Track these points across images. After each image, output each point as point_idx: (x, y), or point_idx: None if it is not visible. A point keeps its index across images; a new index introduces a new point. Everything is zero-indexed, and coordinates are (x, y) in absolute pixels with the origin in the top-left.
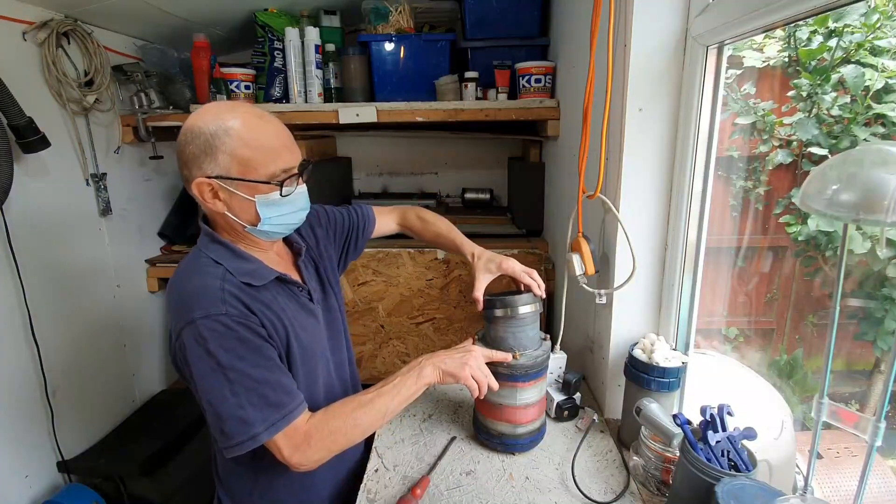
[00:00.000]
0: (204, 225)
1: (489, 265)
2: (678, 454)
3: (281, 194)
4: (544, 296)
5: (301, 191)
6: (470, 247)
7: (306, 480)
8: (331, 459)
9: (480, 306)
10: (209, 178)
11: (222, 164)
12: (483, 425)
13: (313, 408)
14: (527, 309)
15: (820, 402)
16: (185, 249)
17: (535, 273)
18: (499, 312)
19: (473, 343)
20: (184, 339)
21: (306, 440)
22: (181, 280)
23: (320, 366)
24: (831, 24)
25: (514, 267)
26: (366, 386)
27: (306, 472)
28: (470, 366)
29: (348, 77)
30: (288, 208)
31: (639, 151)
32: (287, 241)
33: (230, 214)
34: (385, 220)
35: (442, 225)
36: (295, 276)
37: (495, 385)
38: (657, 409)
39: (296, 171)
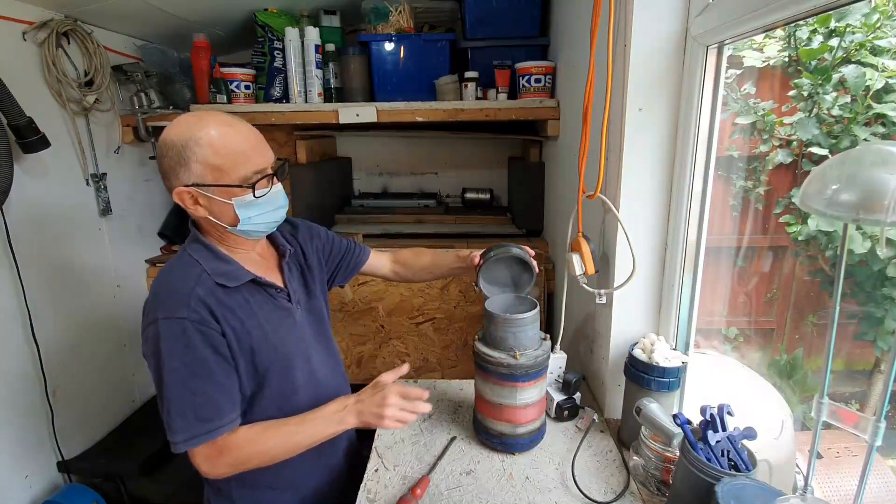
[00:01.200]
0: (192, 226)
1: (483, 248)
2: (678, 454)
3: (254, 195)
4: (536, 267)
5: (276, 190)
6: (466, 250)
7: (280, 471)
8: (309, 452)
9: (476, 261)
10: (186, 186)
11: (196, 173)
12: (483, 425)
13: (292, 406)
14: (519, 252)
15: (820, 402)
16: None
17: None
18: (493, 254)
19: (474, 341)
20: (147, 333)
21: (218, 454)
22: (160, 277)
23: (298, 367)
24: (832, 24)
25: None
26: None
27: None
28: (387, 416)
29: (348, 77)
30: (266, 207)
31: (639, 151)
32: (273, 243)
33: (212, 218)
34: (379, 257)
35: (436, 250)
36: (275, 277)
37: (425, 409)
38: (657, 408)
39: (269, 171)
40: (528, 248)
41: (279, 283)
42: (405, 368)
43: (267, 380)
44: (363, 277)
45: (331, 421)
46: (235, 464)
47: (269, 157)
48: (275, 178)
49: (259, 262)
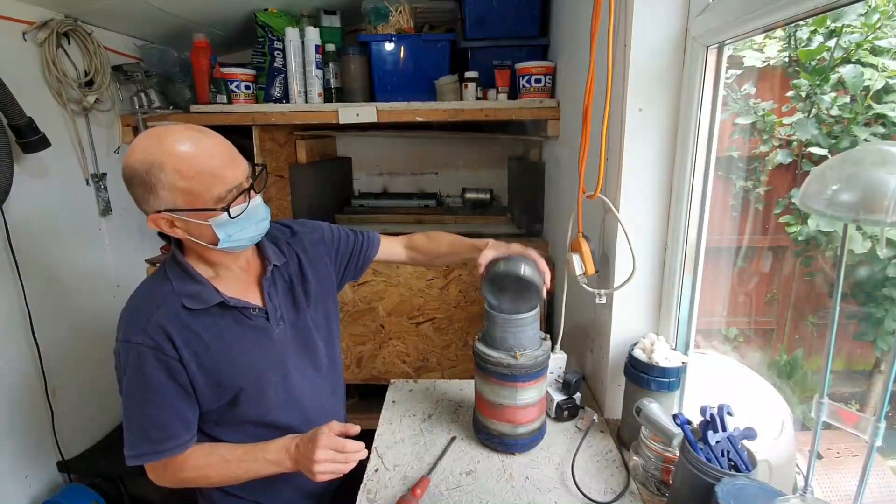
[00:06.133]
0: (174, 243)
1: (498, 246)
2: (678, 454)
3: (230, 216)
4: (549, 280)
5: (255, 204)
6: (485, 240)
7: (254, 488)
8: (284, 475)
9: (481, 270)
10: (159, 212)
11: (166, 199)
12: (483, 425)
13: (270, 422)
14: (528, 271)
15: (820, 402)
16: None
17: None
18: (501, 267)
19: (474, 341)
20: (114, 348)
21: (163, 470)
22: (133, 294)
23: (272, 386)
24: (831, 24)
25: (524, 248)
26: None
27: None
28: (316, 472)
29: (348, 77)
30: (246, 223)
31: (639, 151)
32: (262, 254)
33: (192, 238)
34: (391, 244)
35: (452, 236)
36: (253, 295)
37: (361, 455)
38: (657, 408)
39: (244, 185)
40: (541, 263)
41: (256, 302)
42: (355, 430)
43: (239, 399)
44: (363, 278)
45: (271, 462)
46: (177, 481)
47: (243, 170)
48: (252, 192)
49: (239, 278)
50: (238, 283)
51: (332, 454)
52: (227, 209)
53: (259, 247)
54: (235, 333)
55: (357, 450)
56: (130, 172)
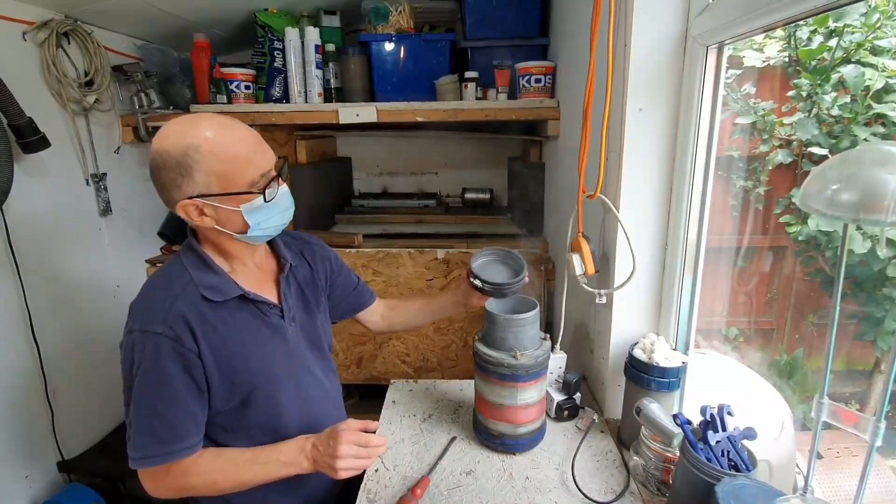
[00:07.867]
0: (189, 233)
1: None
2: (678, 454)
3: (265, 199)
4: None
5: (283, 191)
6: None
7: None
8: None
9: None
10: (191, 198)
11: (201, 183)
12: (483, 425)
13: (279, 427)
14: (505, 251)
15: (820, 402)
16: None
17: None
18: (487, 252)
19: (474, 341)
20: (124, 342)
21: (165, 475)
22: (147, 283)
23: (284, 387)
24: (831, 24)
25: None
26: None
27: None
28: (339, 468)
29: (348, 77)
30: (274, 210)
31: (639, 151)
32: (276, 254)
33: (219, 227)
34: (379, 306)
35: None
36: (269, 292)
37: (383, 449)
38: (657, 409)
39: (273, 172)
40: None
41: (272, 299)
42: (375, 426)
43: (250, 399)
44: (364, 278)
45: (284, 464)
46: (178, 489)
47: (271, 157)
48: (280, 179)
49: (255, 275)
50: (253, 279)
51: (355, 449)
52: (262, 192)
53: (272, 245)
54: (251, 329)
55: (380, 444)
56: (163, 157)
